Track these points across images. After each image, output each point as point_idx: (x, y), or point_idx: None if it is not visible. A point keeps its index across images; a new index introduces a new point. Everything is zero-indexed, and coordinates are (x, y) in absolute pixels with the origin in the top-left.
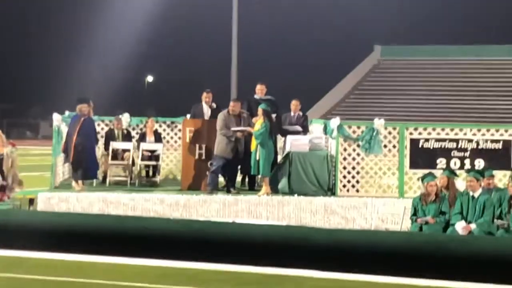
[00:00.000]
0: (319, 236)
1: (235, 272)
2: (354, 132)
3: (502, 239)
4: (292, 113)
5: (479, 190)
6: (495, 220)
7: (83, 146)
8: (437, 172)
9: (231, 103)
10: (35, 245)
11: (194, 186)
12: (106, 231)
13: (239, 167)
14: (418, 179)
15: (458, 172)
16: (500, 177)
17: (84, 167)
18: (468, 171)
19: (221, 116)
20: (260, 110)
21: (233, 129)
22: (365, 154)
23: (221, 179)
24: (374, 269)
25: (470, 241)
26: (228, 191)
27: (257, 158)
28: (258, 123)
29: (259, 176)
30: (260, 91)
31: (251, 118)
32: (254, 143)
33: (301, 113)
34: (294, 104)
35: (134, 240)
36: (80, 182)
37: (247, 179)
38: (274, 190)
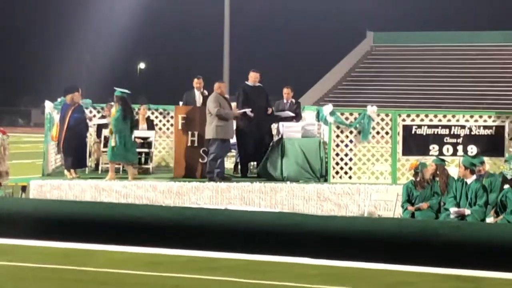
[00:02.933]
0: (312, 223)
1: (227, 259)
2: (346, 119)
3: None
4: (284, 100)
5: (472, 177)
6: (490, 214)
7: (73, 134)
8: (430, 159)
9: (219, 84)
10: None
11: (186, 173)
12: (98, 218)
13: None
14: (411, 168)
15: (451, 158)
16: (495, 161)
17: (74, 156)
18: (463, 157)
19: (214, 98)
20: (115, 97)
21: (240, 111)
22: (358, 141)
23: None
24: (366, 256)
25: (462, 227)
26: (223, 178)
27: (113, 144)
28: (114, 109)
29: (252, 163)
30: (253, 78)
31: (246, 106)
32: (110, 129)
33: (293, 100)
34: (286, 92)
35: (126, 227)
36: (72, 170)
37: (239, 166)
38: (267, 176)
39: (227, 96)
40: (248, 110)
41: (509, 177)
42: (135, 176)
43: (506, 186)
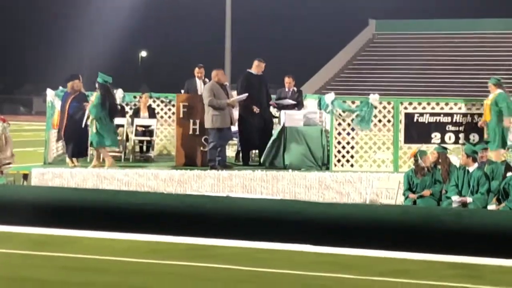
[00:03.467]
0: (314, 210)
1: (228, 247)
2: (349, 106)
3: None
4: (286, 89)
5: (474, 165)
6: (492, 202)
7: (73, 123)
8: (432, 147)
9: (217, 71)
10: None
11: (188, 161)
12: (99, 206)
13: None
14: (415, 158)
15: (452, 146)
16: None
17: (74, 145)
18: (464, 145)
19: (208, 88)
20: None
21: (233, 99)
22: (359, 129)
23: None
24: (368, 243)
25: (465, 214)
26: (225, 166)
27: (94, 130)
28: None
29: (254, 152)
30: (258, 68)
31: (247, 93)
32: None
33: (295, 89)
34: (288, 82)
35: (127, 215)
36: (74, 159)
37: (241, 154)
38: (270, 165)
39: (227, 83)
40: (243, 96)
41: None
42: (112, 165)
43: (510, 174)
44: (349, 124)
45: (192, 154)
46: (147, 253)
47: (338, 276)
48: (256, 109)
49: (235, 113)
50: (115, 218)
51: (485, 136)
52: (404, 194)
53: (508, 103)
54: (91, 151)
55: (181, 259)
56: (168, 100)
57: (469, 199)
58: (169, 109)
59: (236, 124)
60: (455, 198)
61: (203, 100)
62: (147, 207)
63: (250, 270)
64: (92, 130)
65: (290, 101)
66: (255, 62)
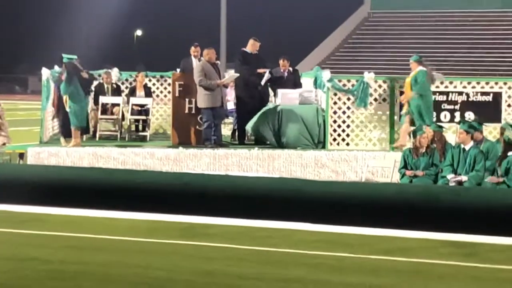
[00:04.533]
0: (312, 189)
1: (226, 226)
2: (344, 85)
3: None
4: (281, 70)
5: (471, 143)
6: (488, 177)
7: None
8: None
9: (208, 51)
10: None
11: (183, 140)
12: (97, 184)
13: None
14: (409, 134)
15: (448, 125)
16: (490, 130)
17: (67, 125)
18: (460, 123)
19: (199, 68)
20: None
21: (225, 79)
22: (355, 108)
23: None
24: (366, 221)
25: (462, 192)
26: (221, 145)
27: (67, 109)
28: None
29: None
30: (253, 46)
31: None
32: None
33: (291, 69)
34: (283, 65)
35: (124, 193)
36: (67, 138)
37: (237, 133)
38: (258, 135)
39: (218, 62)
40: (235, 76)
41: None
42: (77, 144)
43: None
44: (344, 103)
45: (188, 133)
46: (146, 232)
47: (336, 254)
48: (263, 71)
49: (231, 92)
50: (113, 196)
51: (404, 110)
52: (400, 172)
53: (426, 79)
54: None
55: (180, 238)
56: (164, 79)
57: (464, 178)
58: (165, 88)
59: (233, 102)
60: (450, 176)
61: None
62: (145, 185)
63: (249, 249)
64: (66, 108)
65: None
66: (250, 41)
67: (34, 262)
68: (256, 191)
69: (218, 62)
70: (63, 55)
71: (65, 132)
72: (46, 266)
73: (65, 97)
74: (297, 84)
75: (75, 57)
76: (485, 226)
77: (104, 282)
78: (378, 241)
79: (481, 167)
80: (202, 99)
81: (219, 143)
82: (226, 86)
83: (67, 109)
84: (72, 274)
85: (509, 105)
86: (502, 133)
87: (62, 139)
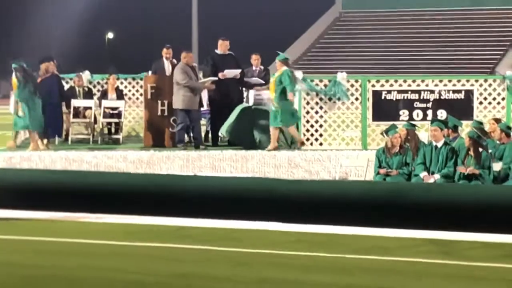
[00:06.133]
0: (283, 187)
1: (200, 228)
2: (316, 85)
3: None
4: (253, 67)
5: (442, 140)
6: (457, 168)
7: (44, 105)
8: (400, 124)
9: (186, 54)
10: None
11: (156, 143)
12: (70, 187)
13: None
14: (381, 133)
15: (421, 123)
16: (463, 128)
17: (45, 126)
18: (432, 121)
19: (181, 69)
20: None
21: (204, 80)
22: (328, 108)
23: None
24: (339, 219)
25: (434, 189)
26: (197, 147)
27: (21, 114)
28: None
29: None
30: (222, 47)
31: (216, 74)
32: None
33: (262, 67)
34: (255, 59)
35: (98, 195)
36: (45, 140)
37: (210, 135)
38: (236, 140)
39: (195, 64)
40: (213, 79)
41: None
42: (36, 148)
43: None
44: (317, 103)
45: (161, 135)
46: (119, 235)
47: (313, 254)
48: (222, 75)
49: (204, 94)
50: (86, 199)
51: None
52: (375, 171)
53: (291, 79)
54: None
55: (153, 240)
56: (136, 81)
57: (436, 176)
58: (137, 91)
59: (206, 104)
60: (423, 175)
61: (173, 81)
62: (118, 187)
63: (224, 250)
64: (18, 113)
65: (259, 80)
66: (219, 42)
67: (9, 268)
68: (228, 190)
69: (195, 65)
70: (13, 61)
71: (40, 134)
72: (21, 271)
73: (19, 103)
74: (267, 84)
75: (23, 63)
76: (458, 222)
77: (78, 287)
78: (356, 240)
79: (452, 164)
80: (179, 100)
81: (199, 144)
82: (209, 88)
83: (20, 114)
84: (47, 279)
85: (480, 103)
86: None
87: (39, 141)
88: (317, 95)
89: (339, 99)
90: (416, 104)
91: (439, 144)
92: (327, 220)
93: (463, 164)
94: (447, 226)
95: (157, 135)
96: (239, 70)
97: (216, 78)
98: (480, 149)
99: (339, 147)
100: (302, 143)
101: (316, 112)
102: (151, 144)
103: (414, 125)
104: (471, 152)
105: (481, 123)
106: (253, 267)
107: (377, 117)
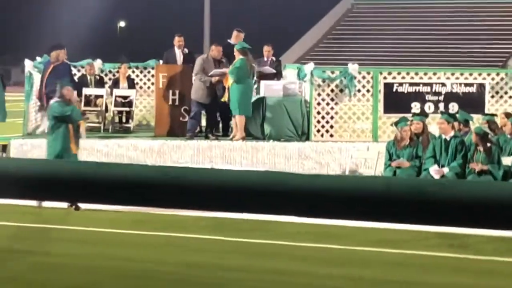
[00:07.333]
0: (297, 182)
1: (215, 218)
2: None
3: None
4: (265, 59)
5: (452, 133)
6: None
7: (55, 92)
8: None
9: (212, 47)
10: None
11: (167, 132)
12: (82, 178)
13: (218, 113)
14: (391, 124)
15: (432, 116)
16: (474, 122)
17: None
18: (441, 113)
19: (199, 60)
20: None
21: (211, 73)
22: (339, 99)
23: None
24: (353, 215)
25: (448, 185)
26: (207, 137)
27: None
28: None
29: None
30: (237, 38)
31: (229, 64)
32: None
33: (274, 58)
34: (266, 50)
35: (111, 186)
36: None
37: (221, 124)
38: (248, 134)
39: (223, 59)
40: (221, 71)
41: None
42: None
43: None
44: (328, 94)
45: (172, 125)
46: (134, 224)
47: (323, 246)
48: (215, 80)
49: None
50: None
51: (225, 98)
52: (385, 164)
53: (239, 69)
54: None
55: (165, 230)
56: (147, 70)
57: (445, 169)
58: (148, 80)
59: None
60: (432, 168)
61: (186, 69)
62: (132, 179)
63: (235, 241)
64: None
65: (271, 69)
66: (234, 33)
67: (18, 255)
68: (243, 184)
69: (223, 60)
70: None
71: None
72: (31, 258)
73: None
74: (279, 75)
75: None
76: (471, 218)
77: (87, 274)
78: (366, 233)
79: (461, 157)
80: (193, 91)
81: (210, 133)
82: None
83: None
84: (56, 266)
85: (492, 96)
86: (489, 126)
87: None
88: (328, 86)
89: (341, 91)
90: (428, 97)
91: (448, 137)
92: (342, 215)
93: (473, 160)
94: (463, 222)
95: (168, 124)
96: (226, 70)
97: (223, 70)
98: (489, 144)
99: (350, 139)
100: (243, 139)
101: (327, 104)
102: (162, 133)
103: (425, 117)
104: (480, 148)
105: (494, 115)
106: (266, 258)
107: (388, 109)
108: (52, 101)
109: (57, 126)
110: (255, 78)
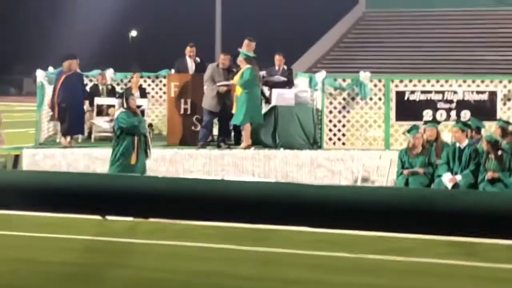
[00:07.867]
0: (308, 193)
1: (225, 227)
2: (340, 85)
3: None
4: (276, 67)
5: (466, 141)
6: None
7: (68, 102)
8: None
9: (221, 56)
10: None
11: (180, 141)
12: (93, 189)
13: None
14: (403, 133)
15: (444, 123)
16: (486, 128)
17: (69, 123)
18: (455, 122)
19: (208, 69)
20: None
21: (218, 84)
22: (351, 107)
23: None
24: (363, 225)
25: (457, 196)
26: (218, 146)
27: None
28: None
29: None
30: (249, 47)
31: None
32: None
33: (285, 67)
34: (278, 59)
35: (121, 197)
36: (68, 137)
37: (233, 133)
38: (259, 143)
39: (234, 70)
40: (227, 83)
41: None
42: None
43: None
44: (340, 103)
45: (184, 134)
46: (145, 234)
47: (336, 254)
48: (223, 89)
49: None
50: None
51: (233, 110)
52: (397, 172)
53: (249, 78)
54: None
55: (177, 239)
56: (159, 80)
57: (458, 177)
58: (160, 89)
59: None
60: (445, 176)
61: (197, 79)
62: (142, 190)
63: (247, 250)
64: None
65: (281, 78)
66: (245, 42)
67: (34, 264)
68: (251, 195)
69: (234, 69)
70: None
71: (64, 130)
72: (46, 268)
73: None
74: (290, 83)
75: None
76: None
77: (100, 284)
78: (375, 241)
79: (475, 164)
80: (204, 100)
81: (222, 142)
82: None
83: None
84: (71, 277)
85: (504, 104)
86: (502, 131)
87: (62, 139)
88: (340, 94)
89: (352, 99)
90: (440, 105)
91: (462, 146)
92: (352, 226)
93: (484, 167)
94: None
95: (180, 134)
96: (284, 79)
97: (229, 82)
98: (500, 152)
99: (362, 147)
100: (248, 147)
101: (339, 112)
102: (174, 142)
103: (437, 124)
104: (491, 156)
105: (508, 122)
106: (279, 267)
107: (400, 117)
108: (118, 112)
109: (123, 137)
110: (261, 86)
